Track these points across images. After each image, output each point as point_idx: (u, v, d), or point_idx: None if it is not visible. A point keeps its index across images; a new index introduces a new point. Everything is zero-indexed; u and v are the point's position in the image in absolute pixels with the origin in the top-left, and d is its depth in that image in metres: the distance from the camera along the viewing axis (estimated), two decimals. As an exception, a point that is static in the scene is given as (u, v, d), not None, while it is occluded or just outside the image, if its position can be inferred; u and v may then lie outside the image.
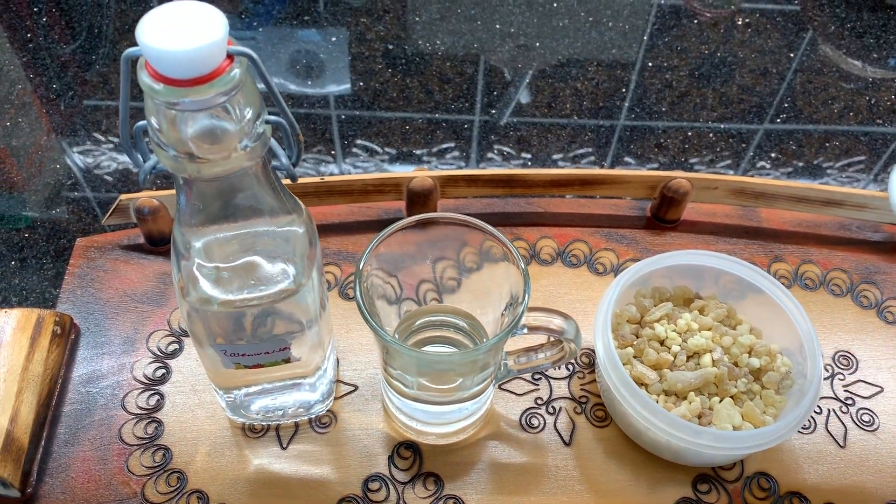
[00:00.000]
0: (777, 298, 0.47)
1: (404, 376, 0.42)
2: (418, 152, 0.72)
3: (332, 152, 0.71)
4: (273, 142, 0.33)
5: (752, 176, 0.70)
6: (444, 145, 0.73)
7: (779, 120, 0.75)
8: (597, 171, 0.54)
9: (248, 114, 0.30)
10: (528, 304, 0.38)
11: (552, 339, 0.43)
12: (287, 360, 0.41)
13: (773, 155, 0.72)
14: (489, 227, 0.40)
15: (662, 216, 0.56)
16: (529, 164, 0.71)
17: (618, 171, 0.54)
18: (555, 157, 0.72)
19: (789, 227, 0.57)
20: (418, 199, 0.54)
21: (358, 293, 0.39)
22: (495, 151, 0.72)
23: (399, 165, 0.71)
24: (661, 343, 0.47)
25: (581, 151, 0.72)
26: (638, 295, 0.49)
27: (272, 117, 0.32)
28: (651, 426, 0.43)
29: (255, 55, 0.29)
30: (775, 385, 0.46)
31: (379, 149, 0.72)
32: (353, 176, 0.54)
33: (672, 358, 0.46)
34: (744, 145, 0.73)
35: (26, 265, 0.55)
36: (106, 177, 0.65)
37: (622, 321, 0.48)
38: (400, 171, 0.56)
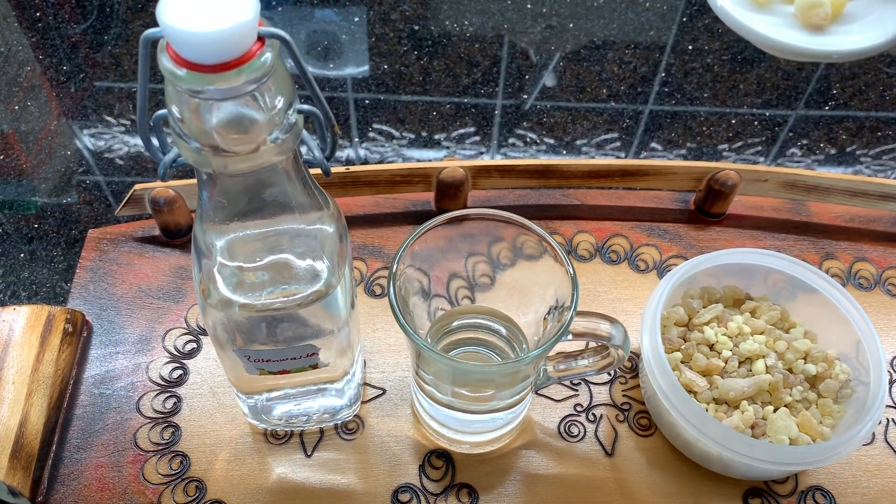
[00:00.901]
0: (833, 298, 0.44)
1: (438, 383, 0.39)
2: (438, 137, 0.69)
3: (349, 137, 0.68)
4: (305, 133, 0.30)
5: (782, 164, 0.67)
6: (465, 130, 0.69)
7: (828, 107, 0.71)
8: (639, 161, 0.51)
9: (280, 103, 0.27)
10: (578, 311, 0.35)
11: (597, 344, 0.41)
12: (315, 366, 0.38)
13: (803, 142, 0.68)
14: (536, 228, 0.37)
15: (707, 210, 0.53)
16: (555, 150, 0.68)
17: (662, 162, 0.51)
18: (579, 142, 0.69)
19: (841, 223, 0.54)
20: (448, 191, 0.51)
21: (392, 295, 0.36)
22: (518, 137, 0.69)
23: (417, 150, 0.68)
24: (711, 347, 0.44)
25: (607, 137, 0.69)
26: (686, 296, 0.46)
27: (305, 106, 0.29)
28: (702, 437, 0.40)
29: (288, 37, 0.25)
30: (833, 394, 0.43)
31: (397, 133, 0.69)
32: (379, 166, 0.51)
33: (723, 364, 0.43)
34: (776, 130, 0.69)
35: (36, 257, 0.52)
36: (119, 161, 0.62)
37: (669, 324, 0.45)
38: (429, 162, 0.53)
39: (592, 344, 0.42)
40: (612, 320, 0.38)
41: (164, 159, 0.30)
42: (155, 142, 0.30)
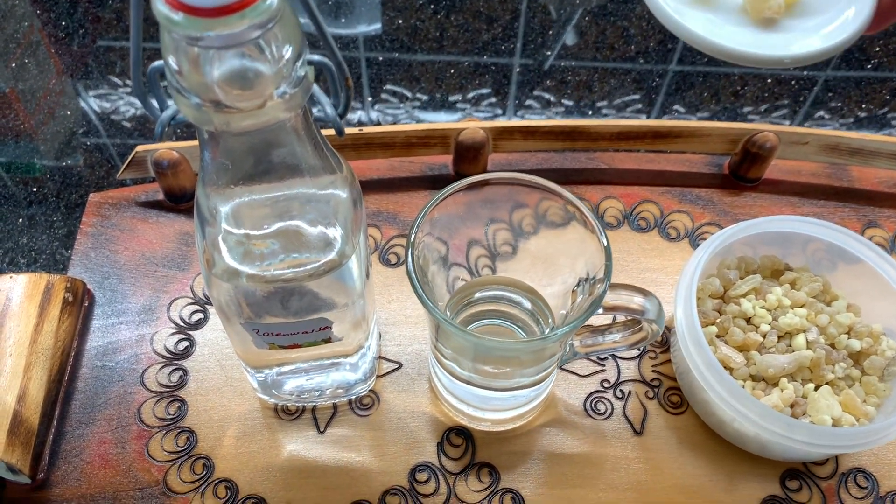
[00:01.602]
0: (879, 268, 0.41)
1: (459, 359, 0.37)
2: (453, 98, 0.66)
3: (361, 98, 0.65)
4: (315, 88, 0.27)
5: (808, 126, 0.63)
6: (482, 91, 0.66)
7: (870, 66, 0.67)
8: (672, 122, 0.48)
9: (287, 53, 0.24)
10: (609, 283, 0.33)
11: (627, 318, 0.38)
12: (327, 340, 0.36)
13: (833, 104, 0.65)
14: (568, 194, 0.34)
15: (743, 174, 0.50)
16: (576, 112, 0.65)
17: (695, 123, 0.48)
18: (600, 104, 0.65)
19: (885, 188, 0.51)
20: (468, 154, 0.48)
21: (410, 265, 0.33)
22: (536, 99, 0.66)
23: (432, 113, 0.65)
24: (748, 321, 0.42)
25: (632, 98, 0.65)
26: (722, 266, 0.43)
27: (315, 57, 0.26)
28: (738, 416, 0.37)
29: (297, -24, 0.23)
30: (879, 371, 0.40)
31: (410, 94, 0.66)
32: (395, 127, 0.48)
33: (761, 339, 0.41)
34: (806, 92, 0.66)
35: (35, 223, 0.50)
36: (122, 122, 0.60)
37: (703, 296, 0.42)
38: (446, 122, 0.50)
39: (621, 317, 0.40)
40: (645, 293, 0.35)
41: (161, 117, 0.27)
42: (152, 99, 0.27)
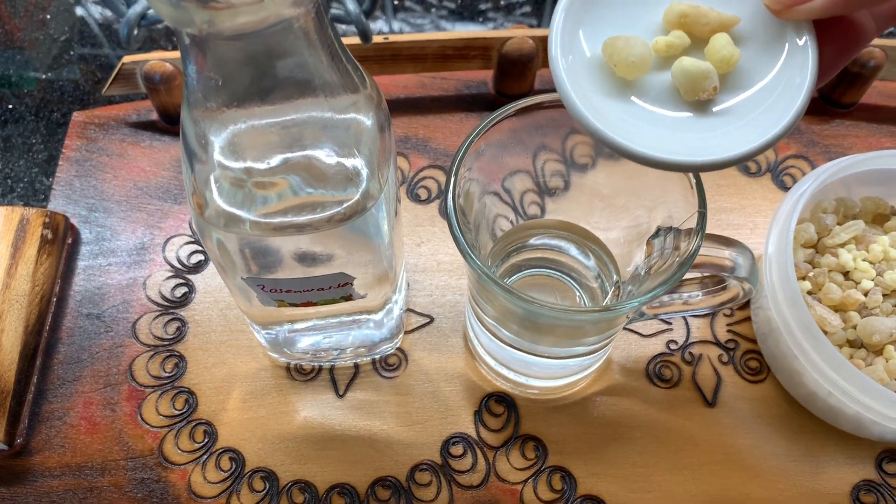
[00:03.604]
0: None
1: (505, 322, 0.31)
2: (483, 7, 0.58)
3: (381, 5, 0.57)
4: (333, -25, 0.20)
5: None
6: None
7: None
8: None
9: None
10: (704, 236, 0.26)
11: (709, 273, 0.31)
12: (347, 298, 0.29)
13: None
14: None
15: (836, 98, 0.42)
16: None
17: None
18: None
19: None
20: (513, 69, 0.41)
21: (451, 207, 0.27)
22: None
23: (460, 24, 0.57)
24: (846, 276, 0.35)
25: None
26: (817, 209, 0.36)
27: (333, -70, 0.19)
28: (834, 390, 0.31)
29: None
30: None
31: (435, 0, 0.58)
32: (427, 35, 0.40)
33: (862, 297, 0.34)
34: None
35: (11, 146, 0.44)
36: (113, 27, 0.52)
37: (794, 245, 0.35)
38: (487, 31, 0.42)
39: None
40: (734, 244, 0.29)
41: (128, 14, 0.20)
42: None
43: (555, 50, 0.22)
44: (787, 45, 0.22)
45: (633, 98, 0.22)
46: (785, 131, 0.21)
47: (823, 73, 0.22)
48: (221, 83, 0.21)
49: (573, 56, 0.22)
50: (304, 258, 0.27)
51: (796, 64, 0.22)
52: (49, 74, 0.46)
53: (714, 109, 0.22)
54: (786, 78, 0.22)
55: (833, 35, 0.22)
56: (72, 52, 0.49)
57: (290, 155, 0.24)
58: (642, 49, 0.22)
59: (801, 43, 0.22)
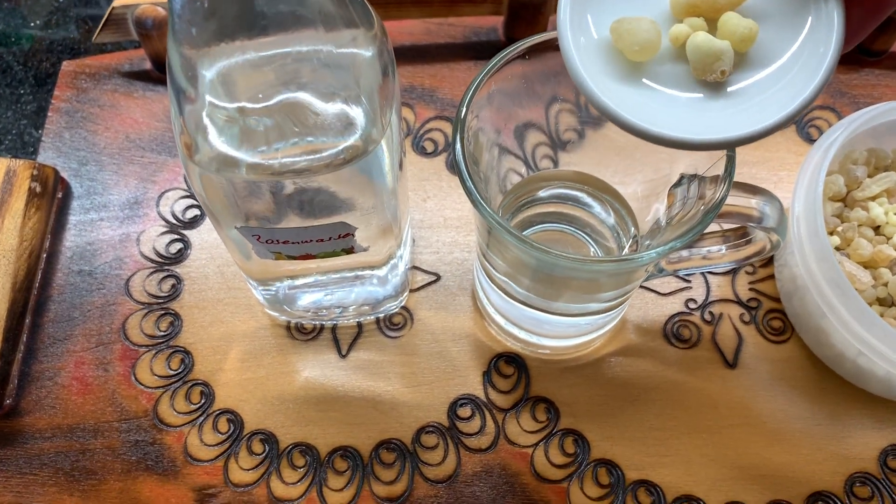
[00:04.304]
0: None
1: (516, 276, 0.29)
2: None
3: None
4: None
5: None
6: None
7: None
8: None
9: None
10: (731, 184, 0.24)
11: (735, 225, 0.30)
12: (349, 250, 0.28)
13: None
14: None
15: (866, 46, 0.40)
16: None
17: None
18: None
19: None
20: (524, 12, 0.38)
21: (460, 154, 0.25)
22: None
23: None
24: (877, 231, 0.33)
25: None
26: (847, 160, 0.34)
27: None
28: (866, 349, 0.30)
29: None
30: None
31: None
32: (433, -23, 0.38)
33: (894, 253, 0.32)
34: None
35: (-2, 96, 0.42)
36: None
37: (823, 198, 0.33)
38: (497, -27, 0.40)
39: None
40: (763, 192, 0.27)
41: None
42: None
43: (565, 30, 0.21)
44: (811, 8, 0.20)
45: (644, 80, 0.21)
46: (806, 104, 0.20)
47: (850, 39, 0.20)
48: (211, 11, 0.19)
49: (584, 38, 0.21)
50: (302, 206, 0.25)
51: (821, 30, 0.20)
52: (36, 23, 0.44)
53: (731, 88, 0.21)
54: (809, 48, 0.20)
55: None
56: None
57: (286, 93, 0.22)
58: (647, 34, 0.20)
59: (827, 7, 0.20)
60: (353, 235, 0.27)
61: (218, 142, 0.23)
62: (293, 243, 0.27)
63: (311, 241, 0.26)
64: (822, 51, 0.20)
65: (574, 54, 0.21)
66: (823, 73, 0.20)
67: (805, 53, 0.20)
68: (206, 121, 0.23)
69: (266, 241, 0.26)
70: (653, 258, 0.24)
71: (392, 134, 0.25)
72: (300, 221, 0.26)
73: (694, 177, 0.26)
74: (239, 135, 0.23)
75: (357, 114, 0.23)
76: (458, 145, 0.25)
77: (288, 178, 0.24)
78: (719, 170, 0.25)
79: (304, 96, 0.22)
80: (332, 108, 0.23)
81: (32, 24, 0.45)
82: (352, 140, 0.23)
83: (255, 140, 0.23)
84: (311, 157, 0.23)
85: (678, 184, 0.27)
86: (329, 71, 0.23)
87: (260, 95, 0.22)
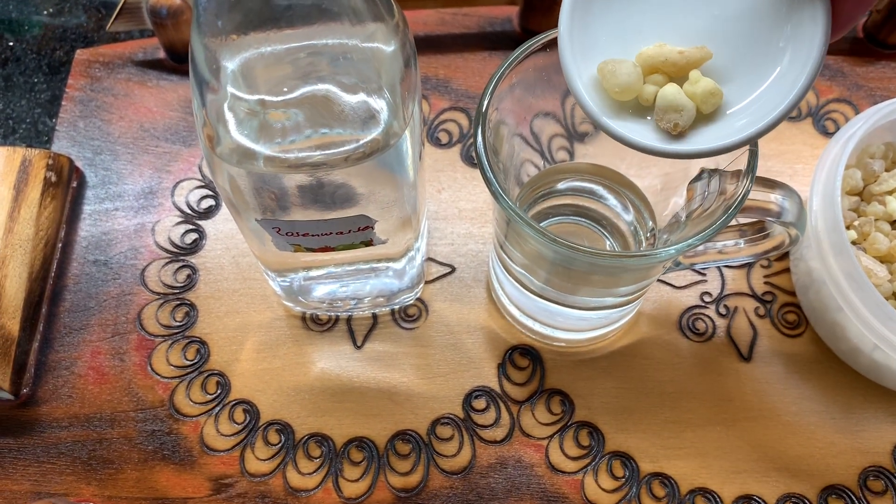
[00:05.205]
0: None
1: (534, 269, 0.29)
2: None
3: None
4: None
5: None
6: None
7: None
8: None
9: None
10: (754, 179, 0.24)
11: (753, 219, 0.30)
12: (368, 243, 0.28)
13: None
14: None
15: (883, 38, 0.40)
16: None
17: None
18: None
19: None
20: (539, 3, 0.38)
21: (481, 145, 0.25)
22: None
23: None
24: (894, 225, 0.33)
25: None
26: (864, 154, 0.34)
27: None
28: (882, 343, 0.30)
29: None
30: None
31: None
32: (449, -32, 0.38)
33: (911, 248, 0.32)
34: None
35: (12, 85, 0.42)
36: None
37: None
38: (513, -37, 0.40)
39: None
40: (782, 186, 0.27)
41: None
42: None
43: (569, 57, 0.22)
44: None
45: (631, 111, 0.22)
46: (788, 110, 0.20)
47: (838, 29, 0.20)
48: (235, 1, 0.19)
49: (586, 73, 0.22)
50: (323, 199, 0.25)
51: (806, 20, 0.20)
52: (49, 11, 0.44)
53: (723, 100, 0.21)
54: (794, 44, 0.20)
55: None
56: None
57: (307, 87, 0.22)
58: (627, 77, 0.21)
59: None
60: (372, 228, 0.27)
61: (239, 133, 0.23)
62: (313, 236, 0.27)
63: (330, 233, 0.26)
64: (805, 50, 0.20)
65: (579, 85, 0.22)
66: (808, 73, 0.20)
67: (793, 44, 0.20)
68: (228, 113, 0.23)
69: (286, 234, 0.26)
70: (671, 255, 0.24)
71: (414, 127, 0.25)
72: (320, 214, 0.26)
73: (714, 171, 0.26)
74: (261, 126, 0.23)
75: (380, 107, 0.23)
76: (480, 137, 0.25)
77: (308, 172, 0.24)
78: (740, 164, 0.25)
79: (328, 89, 0.22)
80: (356, 101, 0.23)
81: (45, 13, 0.45)
82: (374, 133, 0.23)
83: (275, 133, 0.23)
84: (333, 150, 0.23)
85: (698, 178, 0.27)
86: (352, 63, 0.23)
87: (284, 88, 0.22)
